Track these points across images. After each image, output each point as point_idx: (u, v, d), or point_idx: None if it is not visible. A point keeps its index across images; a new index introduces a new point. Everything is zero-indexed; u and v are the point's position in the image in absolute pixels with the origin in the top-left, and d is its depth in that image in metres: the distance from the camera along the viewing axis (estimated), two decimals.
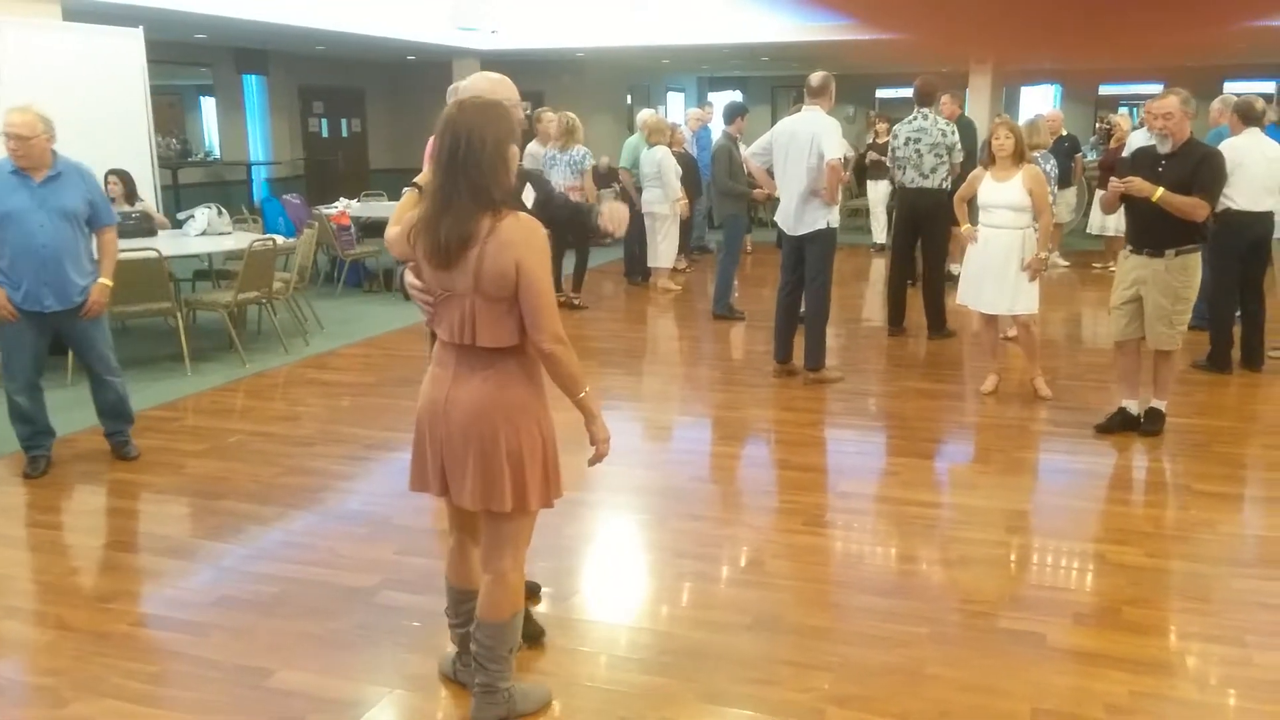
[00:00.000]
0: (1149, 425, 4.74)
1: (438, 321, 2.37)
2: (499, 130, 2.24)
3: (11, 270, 4.24)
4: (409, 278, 2.42)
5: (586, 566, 3.66)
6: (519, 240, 2.23)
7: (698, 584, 3.43)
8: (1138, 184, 4.40)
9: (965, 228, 5.48)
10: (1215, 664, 2.88)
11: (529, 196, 2.81)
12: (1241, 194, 5.70)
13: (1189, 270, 4.51)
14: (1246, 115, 5.87)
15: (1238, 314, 6.00)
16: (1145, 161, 4.54)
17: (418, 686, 2.79)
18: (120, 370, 4.73)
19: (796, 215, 5.64)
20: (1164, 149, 4.48)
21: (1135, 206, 4.56)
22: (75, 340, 4.55)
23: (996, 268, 5.21)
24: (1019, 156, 5.16)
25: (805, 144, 5.50)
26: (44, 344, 4.50)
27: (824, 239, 5.64)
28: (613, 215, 2.87)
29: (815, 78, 5.64)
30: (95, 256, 4.52)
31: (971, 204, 5.54)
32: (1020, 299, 5.23)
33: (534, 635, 2.95)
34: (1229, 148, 5.74)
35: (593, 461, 2.45)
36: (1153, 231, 4.51)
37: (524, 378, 2.36)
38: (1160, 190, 4.36)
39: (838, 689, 2.75)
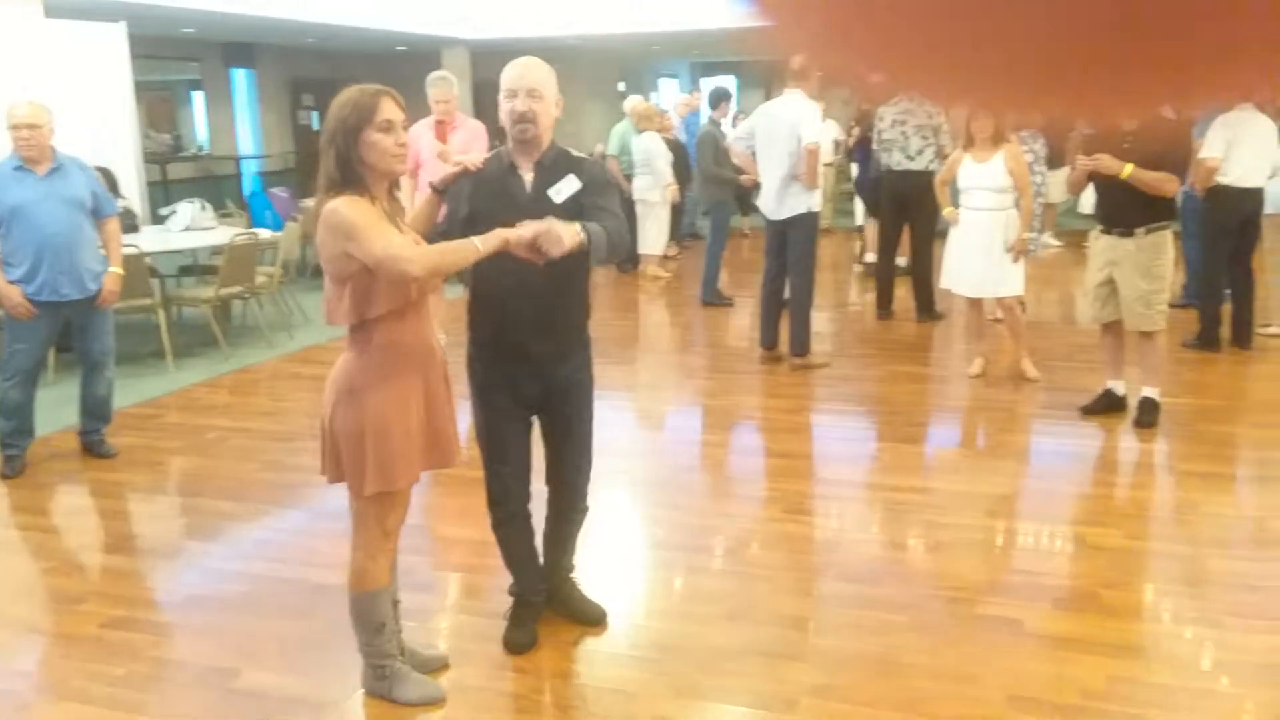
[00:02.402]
0: (1143, 416, 4.61)
1: None
2: (341, 116, 2.31)
3: (26, 264, 4.27)
4: None
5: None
6: (328, 224, 2.29)
7: (674, 574, 3.39)
8: (1106, 161, 4.32)
9: (948, 210, 5.42)
10: (1194, 647, 2.84)
11: (566, 189, 2.61)
12: (1235, 170, 5.63)
13: (1161, 248, 4.42)
14: None
15: (1226, 292, 5.94)
16: (1111, 138, 4.45)
17: None
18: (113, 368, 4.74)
19: (778, 199, 5.59)
20: (1129, 125, 4.40)
21: (1104, 185, 4.47)
22: (86, 330, 4.56)
23: (979, 250, 5.15)
24: (999, 137, 5.09)
25: (786, 128, 5.44)
26: (52, 339, 4.57)
27: (806, 223, 5.58)
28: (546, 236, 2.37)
29: (796, 60, 5.56)
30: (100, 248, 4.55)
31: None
32: (1005, 281, 5.17)
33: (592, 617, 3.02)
34: (1224, 123, 5.66)
35: (543, 244, 2.33)
36: (1122, 210, 4.43)
37: (361, 362, 2.39)
38: (1130, 166, 4.27)
39: (812, 679, 2.71)
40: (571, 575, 3.07)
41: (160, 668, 2.90)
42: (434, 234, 2.65)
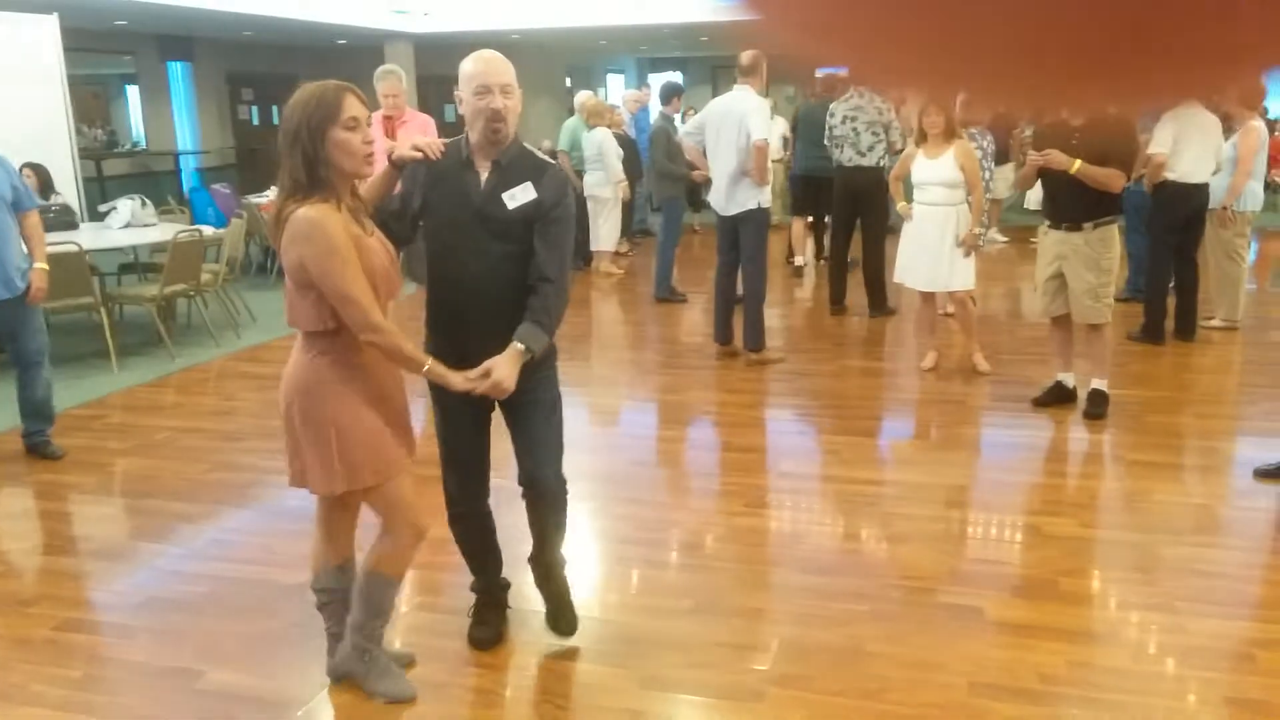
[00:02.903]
0: (1092, 408, 4.72)
1: None
2: (305, 114, 2.24)
3: None
4: None
5: (525, 554, 3.59)
6: (298, 236, 2.23)
7: (638, 569, 3.40)
8: (1056, 156, 4.42)
9: (902, 205, 5.51)
10: (1149, 632, 2.92)
11: (522, 197, 2.50)
12: (1182, 165, 5.78)
13: (1108, 242, 4.54)
14: None
15: (1171, 285, 6.11)
16: (1059, 135, 4.56)
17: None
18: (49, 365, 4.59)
19: (728, 195, 5.64)
20: (1076, 121, 4.50)
21: (1052, 180, 4.57)
22: (17, 332, 4.41)
23: (932, 245, 5.24)
24: (950, 133, 5.19)
25: (735, 124, 5.48)
26: None
27: (756, 219, 5.63)
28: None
29: (745, 56, 5.63)
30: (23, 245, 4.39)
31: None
32: (956, 275, 5.27)
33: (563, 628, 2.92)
34: (1172, 119, 5.82)
35: (482, 392, 2.45)
36: (1070, 205, 4.53)
37: (326, 363, 2.35)
38: (1078, 162, 4.38)
39: (777, 669, 2.73)
40: (560, 571, 2.90)
41: (119, 670, 2.84)
42: (385, 211, 2.57)
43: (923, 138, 5.25)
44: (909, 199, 5.44)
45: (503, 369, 2.42)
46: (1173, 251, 6.00)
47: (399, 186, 2.62)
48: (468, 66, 2.52)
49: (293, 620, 3.04)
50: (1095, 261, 4.52)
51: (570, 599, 2.92)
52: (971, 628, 2.92)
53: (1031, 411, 4.84)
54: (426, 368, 2.37)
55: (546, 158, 2.61)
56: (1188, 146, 5.73)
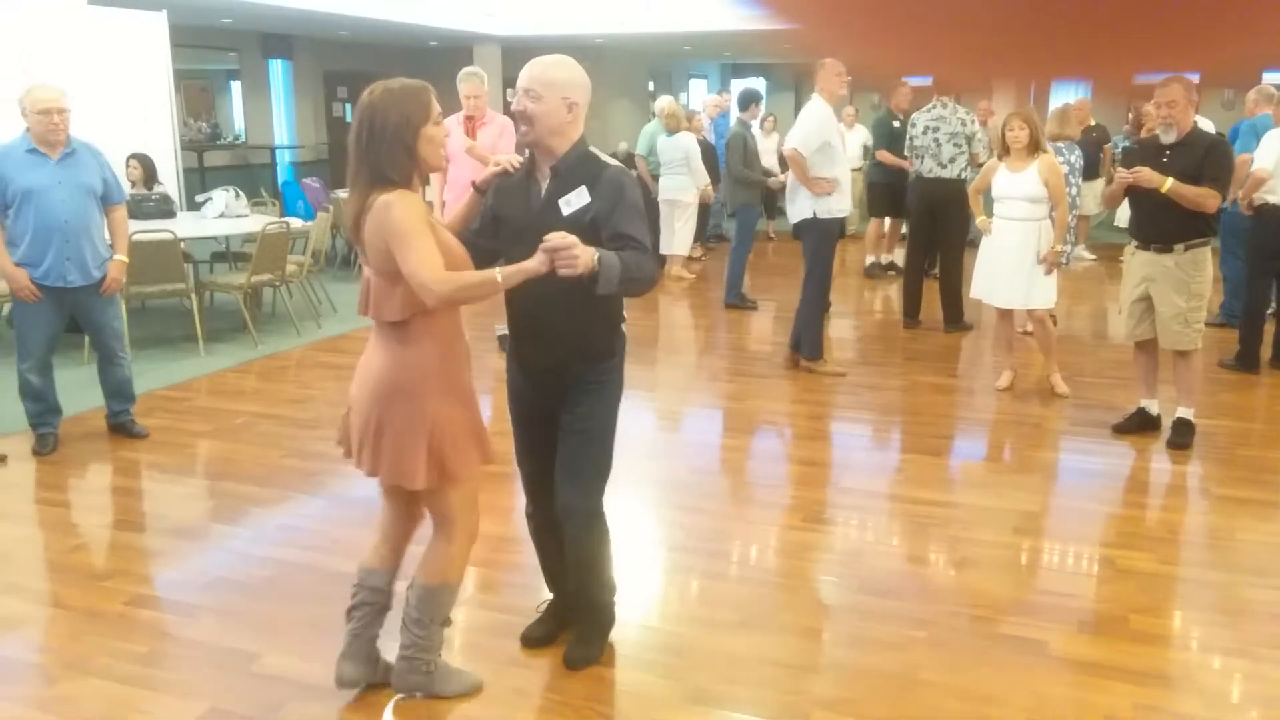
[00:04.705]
0: (1177, 437, 4.51)
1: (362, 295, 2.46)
2: (403, 112, 2.28)
3: (33, 248, 4.27)
4: None
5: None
6: (381, 220, 2.26)
7: (690, 579, 3.37)
8: (1147, 174, 4.23)
9: (980, 220, 5.37)
10: (1224, 678, 2.78)
11: (576, 201, 2.44)
12: None
13: (1200, 265, 4.33)
14: None
15: (1270, 311, 5.83)
16: (1149, 152, 4.37)
17: None
18: (128, 349, 4.76)
19: (788, 203, 5.69)
20: (1168, 139, 4.30)
21: (1141, 199, 4.39)
22: (92, 317, 4.56)
23: (1011, 260, 5.09)
24: (1034, 147, 5.03)
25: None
26: (60, 323, 4.54)
27: (813, 229, 5.58)
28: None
29: (817, 65, 5.69)
30: (107, 235, 4.55)
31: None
32: (1036, 292, 5.11)
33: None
34: (1277, 138, 5.56)
35: (557, 261, 2.22)
36: (1160, 225, 4.34)
37: (416, 359, 2.37)
38: (1170, 181, 4.18)
39: (826, 692, 2.68)
40: (587, 603, 2.80)
41: (182, 647, 2.93)
42: (470, 231, 2.61)
43: (1006, 151, 5.11)
44: (989, 213, 5.30)
45: (582, 247, 2.20)
46: (1273, 277, 5.71)
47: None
48: None
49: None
50: (1185, 285, 4.32)
51: (592, 635, 2.81)
52: (1034, 663, 2.81)
53: (1111, 438, 4.66)
54: (500, 279, 2.27)
55: (609, 160, 2.52)
56: None
